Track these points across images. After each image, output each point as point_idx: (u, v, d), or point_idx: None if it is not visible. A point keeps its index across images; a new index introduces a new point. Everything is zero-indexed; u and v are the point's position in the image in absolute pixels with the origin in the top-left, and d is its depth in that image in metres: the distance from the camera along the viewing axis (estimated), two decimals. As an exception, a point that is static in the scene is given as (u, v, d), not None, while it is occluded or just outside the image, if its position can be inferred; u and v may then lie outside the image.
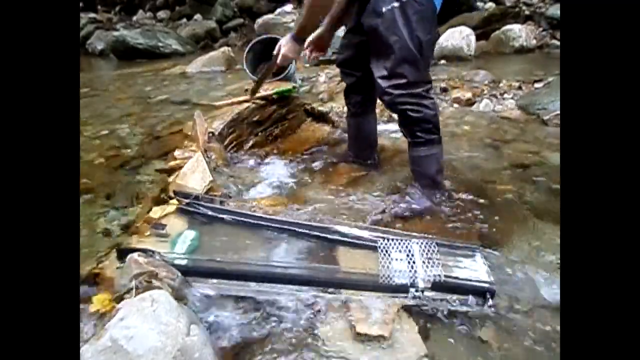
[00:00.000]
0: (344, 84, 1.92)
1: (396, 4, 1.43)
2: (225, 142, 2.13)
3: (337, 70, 1.96)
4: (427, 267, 1.14)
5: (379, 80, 1.54)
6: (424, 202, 1.61)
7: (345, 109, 2.55)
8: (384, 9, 1.44)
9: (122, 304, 0.97)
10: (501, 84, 3.27)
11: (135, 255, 1.10)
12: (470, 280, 1.12)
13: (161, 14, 9.19)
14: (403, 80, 1.50)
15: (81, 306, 1.09)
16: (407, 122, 1.57)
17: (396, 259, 1.17)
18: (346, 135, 2.40)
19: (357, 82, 1.82)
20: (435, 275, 1.11)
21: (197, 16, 8.08)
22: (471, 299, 1.11)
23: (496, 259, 1.30)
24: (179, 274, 1.10)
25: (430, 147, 1.61)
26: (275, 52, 1.76)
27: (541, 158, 2.03)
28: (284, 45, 1.71)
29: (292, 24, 6.17)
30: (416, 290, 1.09)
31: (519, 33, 4.74)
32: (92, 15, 8.66)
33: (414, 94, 1.52)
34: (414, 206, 1.60)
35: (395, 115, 1.78)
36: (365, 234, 1.29)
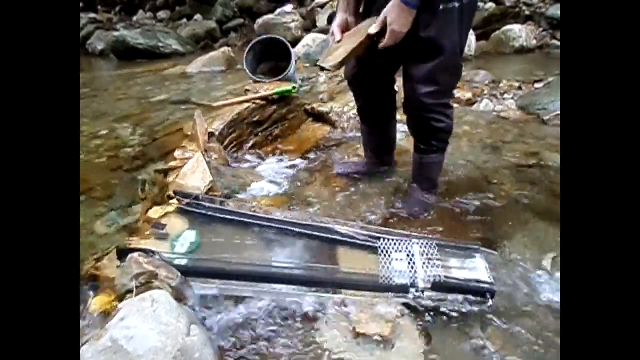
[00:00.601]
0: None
1: (457, 4, 1.27)
2: (225, 142, 2.13)
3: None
4: (427, 267, 1.14)
5: (417, 84, 1.38)
6: (424, 202, 1.61)
7: (346, 108, 2.57)
8: (441, 6, 1.26)
9: (122, 304, 0.97)
10: (501, 84, 3.27)
11: (135, 255, 1.09)
12: (470, 280, 1.12)
13: (161, 14, 9.18)
14: (439, 87, 1.38)
15: (81, 306, 1.09)
16: (426, 130, 1.50)
17: (396, 259, 1.17)
18: (346, 135, 2.40)
19: (377, 98, 1.66)
20: (435, 276, 1.11)
21: (197, 16, 8.07)
22: (471, 299, 1.11)
23: (496, 259, 1.30)
24: (179, 274, 1.10)
25: (440, 155, 1.59)
26: (375, 29, 1.26)
27: (541, 158, 2.03)
28: (394, 22, 1.21)
29: (292, 24, 6.16)
30: (416, 290, 1.09)
31: (519, 33, 4.73)
32: (92, 15, 8.65)
33: (443, 104, 1.45)
34: (414, 207, 1.60)
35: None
36: (366, 234, 1.29)
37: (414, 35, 1.28)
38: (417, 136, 1.56)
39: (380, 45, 1.27)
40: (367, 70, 1.56)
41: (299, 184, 1.85)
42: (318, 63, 1.34)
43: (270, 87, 2.46)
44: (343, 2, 1.44)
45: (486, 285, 1.10)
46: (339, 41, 1.37)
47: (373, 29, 1.26)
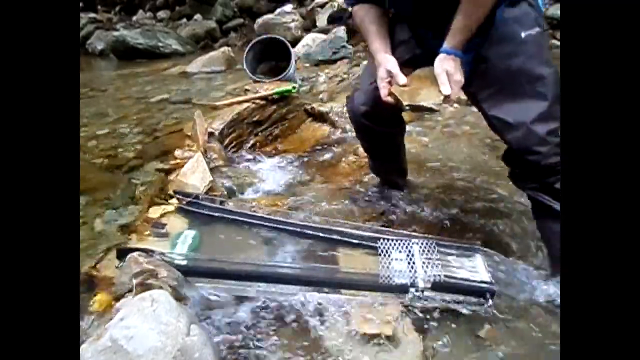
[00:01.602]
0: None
1: (538, 30, 1.14)
2: (225, 142, 2.14)
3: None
4: (427, 267, 1.14)
5: (535, 126, 1.12)
6: None
7: (345, 109, 2.56)
8: (523, 34, 1.13)
9: (122, 304, 0.97)
10: (501, 84, 3.26)
11: (135, 255, 1.09)
12: (470, 280, 1.12)
13: (161, 14, 9.17)
14: (558, 124, 1.12)
15: (81, 306, 1.09)
16: (558, 181, 1.14)
17: (396, 259, 1.17)
18: (346, 135, 2.39)
19: (388, 138, 1.52)
20: (435, 275, 1.11)
21: (197, 16, 8.06)
22: (471, 299, 1.11)
23: (496, 259, 1.30)
24: (179, 274, 1.10)
25: None
26: (451, 91, 1.13)
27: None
28: (455, 73, 1.13)
29: (292, 24, 6.14)
30: (416, 290, 1.09)
31: (519, 33, 4.73)
32: (92, 15, 8.63)
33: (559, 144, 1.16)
34: None
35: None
36: (366, 234, 1.29)
37: (500, 70, 1.16)
38: (549, 193, 1.18)
39: (452, 96, 1.14)
40: (381, 108, 1.32)
41: (299, 183, 1.85)
42: (409, 103, 1.19)
43: (270, 87, 2.46)
44: (381, 44, 1.26)
45: (486, 285, 1.10)
46: (403, 85, 1.19)
47: (448, 90, 1.13)
